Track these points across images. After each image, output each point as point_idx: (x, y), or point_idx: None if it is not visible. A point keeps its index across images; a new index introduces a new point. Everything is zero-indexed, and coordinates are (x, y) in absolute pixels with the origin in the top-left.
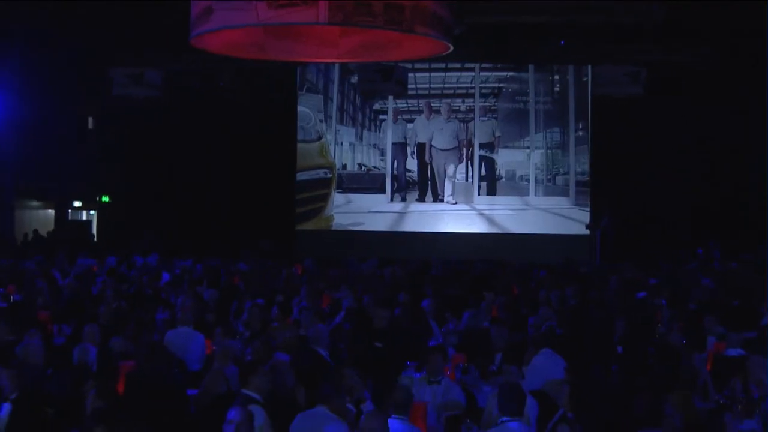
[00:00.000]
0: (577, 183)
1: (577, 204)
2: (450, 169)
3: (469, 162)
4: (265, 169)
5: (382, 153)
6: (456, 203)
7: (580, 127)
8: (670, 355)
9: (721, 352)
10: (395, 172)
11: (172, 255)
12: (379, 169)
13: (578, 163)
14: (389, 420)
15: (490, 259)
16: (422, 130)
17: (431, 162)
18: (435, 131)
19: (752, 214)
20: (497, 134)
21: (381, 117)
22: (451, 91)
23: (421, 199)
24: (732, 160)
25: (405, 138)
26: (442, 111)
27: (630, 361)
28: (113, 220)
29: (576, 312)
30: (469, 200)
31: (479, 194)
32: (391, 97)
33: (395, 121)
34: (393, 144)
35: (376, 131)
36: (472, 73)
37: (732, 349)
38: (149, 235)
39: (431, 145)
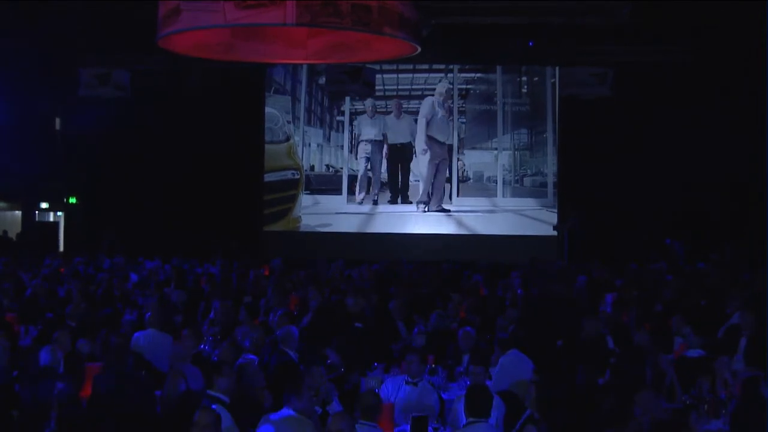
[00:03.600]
0: (545, 184)
1: (545, 205)
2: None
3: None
4: (233, 171)
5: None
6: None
7: (548, 128)
8: (637, 356)
9: (683, 353)
10: (369, 174)
11: (137, 256)
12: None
13: (546, 164)
14: (361, 428)
15: (457, 261)
16: (394, 130)
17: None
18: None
19: (719, 213)
20: (461, 135)
21: (338, 118)
22: (419, 92)
23: (394, 201)
24: (700, 160)
25: (382, 136)
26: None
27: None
28: (81, 221)
29: (542, 312)
30: (438, 202)
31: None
32: (347, 98)
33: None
34: (371, 142)
35: (343, 132)
36: (440, 75)
37: (692, 350)
38: (108, 235)
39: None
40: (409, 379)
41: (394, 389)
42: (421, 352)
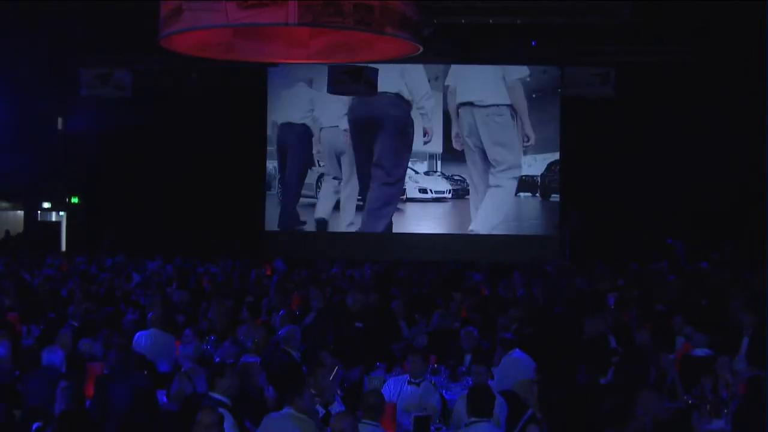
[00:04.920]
0: (548, 183)
1: (548, 205)
2: None
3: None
4: (233, 171)
5: None
6: None
7: (550, 127)
8: (638, 355)
9: (688, 352)
10: None
11: (138, 256)
12: None
13: (548, 163)
14: (364, 426)
15: (459, 260)
16: None
17: None
18: None
19: (720, 213)
20: None
21: None
22: None
23: None
24: (701, 160)
25: None
26: None
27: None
28: (83, 220)
29: (544, 311)
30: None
31: None
32: None
33: None
34: None
35: None
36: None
37: (698, 349)
38: (108, 235)
39: None
40: (411, 379)
41: (396, 389)
42: (423, 351)
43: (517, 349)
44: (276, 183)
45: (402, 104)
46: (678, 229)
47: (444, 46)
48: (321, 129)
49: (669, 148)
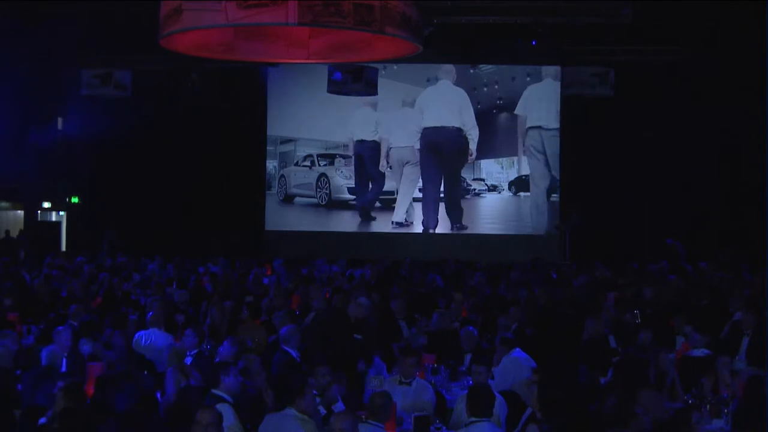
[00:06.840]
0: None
1: (548, 204)
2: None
3: None
4: (234, 170)
5: None
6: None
7: (550, 127)
8: (638, 355)
9: (687, 353)
10: None
11: (138, 256)
12: None
13: (548, 162)
14: (366, 426)
15: (460, 260)
16: None
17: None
18: None
19: (720, 213)
20: None
21: None
22: None
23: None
24: (701, 160)
25: None
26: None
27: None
28: (83, 220)
29: (545, 311)
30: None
31: None
32: None
33: None
34: None
35: None
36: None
37: (696, 350)
38: (108, 235)
39: None
40: (402, 380)
41: (390, 389)
42: (416, 353)
43: (517, 349)
44: (276, 183)
45: (462, 134)
46: (678, 229)
47: (444, 46)
48: (390, 148)
49: (668, 147)
